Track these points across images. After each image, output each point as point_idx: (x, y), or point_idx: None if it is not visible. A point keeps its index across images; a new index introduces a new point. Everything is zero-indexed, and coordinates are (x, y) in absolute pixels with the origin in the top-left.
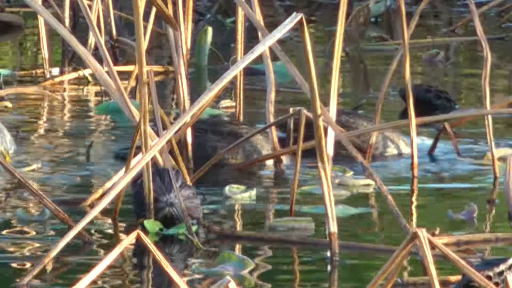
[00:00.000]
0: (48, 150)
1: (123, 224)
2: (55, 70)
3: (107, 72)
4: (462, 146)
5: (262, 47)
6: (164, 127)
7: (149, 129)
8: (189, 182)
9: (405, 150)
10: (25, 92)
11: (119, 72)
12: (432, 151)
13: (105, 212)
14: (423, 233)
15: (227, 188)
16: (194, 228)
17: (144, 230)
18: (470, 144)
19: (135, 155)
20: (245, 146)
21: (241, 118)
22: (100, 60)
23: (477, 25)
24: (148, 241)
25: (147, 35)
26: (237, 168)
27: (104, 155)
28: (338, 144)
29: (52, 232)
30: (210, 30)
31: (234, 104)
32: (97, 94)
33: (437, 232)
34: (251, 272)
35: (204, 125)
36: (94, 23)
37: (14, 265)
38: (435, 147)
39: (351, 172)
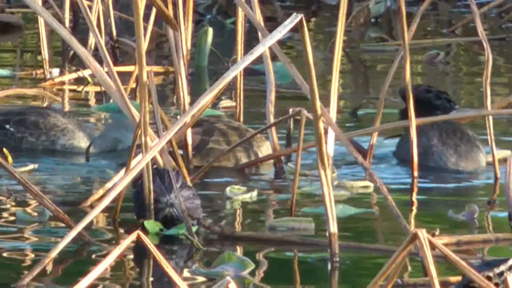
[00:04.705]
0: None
1: (123, 224)
2: (55, 71)
3: (107, 72)
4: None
5: (262, 48)
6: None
7: (149, 130)
8: (189, 183)
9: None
10: (25, 93)
11: (119, 73)
12: None
13: (105, 212)
14: (423, 234)
15: (228, 189)
16: (194, 228)
17: (144, 230)
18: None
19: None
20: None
21: (241, 118)
22: (100, 61)
23: (478, 26)
24: (148, 242)
25: (147, 36)
26: (238, 169)
27: (103, 154)
28: None
29: (52, 232)
30: (210, 30)
31: (234, 104)
32: (97, 94)
33: (437, 232)
34: (251, 273)
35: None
36: (94, 23)
37: (14, 265)
38: None
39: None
